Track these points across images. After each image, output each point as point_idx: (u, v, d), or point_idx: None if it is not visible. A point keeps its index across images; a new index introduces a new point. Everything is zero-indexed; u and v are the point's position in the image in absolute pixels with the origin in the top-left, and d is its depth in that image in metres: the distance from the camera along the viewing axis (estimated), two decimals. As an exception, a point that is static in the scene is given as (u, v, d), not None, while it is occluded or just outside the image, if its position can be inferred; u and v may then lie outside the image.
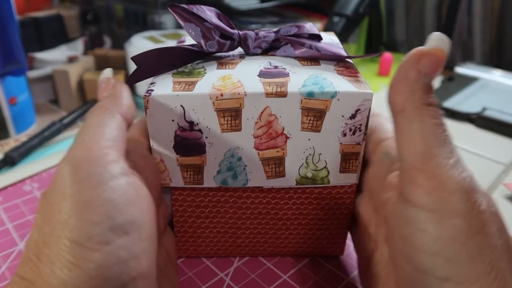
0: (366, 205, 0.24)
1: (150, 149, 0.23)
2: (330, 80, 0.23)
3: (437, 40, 0.17)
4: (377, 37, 0.78)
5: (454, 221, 0.15)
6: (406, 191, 0.17)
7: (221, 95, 0.22)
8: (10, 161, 0.40)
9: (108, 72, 0.22)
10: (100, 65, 0.56)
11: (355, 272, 0.28)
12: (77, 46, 0.62)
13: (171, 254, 0.24)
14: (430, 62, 0.17)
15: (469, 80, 0.60)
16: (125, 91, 0.21)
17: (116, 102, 0.20)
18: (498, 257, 0.15)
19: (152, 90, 0.22)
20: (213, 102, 0.22)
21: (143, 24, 0.64)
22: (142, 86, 0.52)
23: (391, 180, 0.21)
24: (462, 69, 0.65)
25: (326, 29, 0.65)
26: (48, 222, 0.16)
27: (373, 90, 0.25)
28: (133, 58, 0.24)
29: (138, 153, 0.22)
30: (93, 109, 0.19)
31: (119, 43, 0.63)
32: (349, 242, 0.31)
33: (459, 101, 0.54)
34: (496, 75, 0.63)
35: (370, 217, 0.23)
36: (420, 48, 0.18)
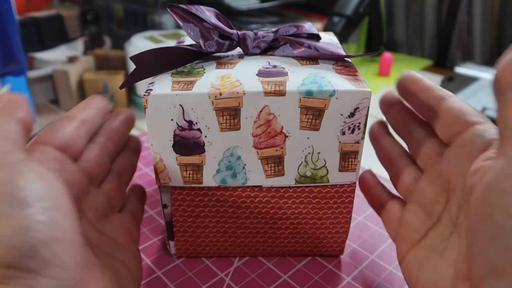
0: (433, 183, 0.24)
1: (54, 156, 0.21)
2: (328, 79, 0.23)
3: None
4: (377, 37, 0.78)
5: None
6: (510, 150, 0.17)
7: (220, 94, 0.22)
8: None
9: (4, 89, 0.21)
10: (100, 65, 0.56)
11: (355, 272, 0.28)
12: (77, 46, 0.62)
13: (119, 240, 0.23)
14: None
15: (469, 80, 0.60)
16: (20, 102, 0.20)
17: (10, 111, 0.19)
18: None
19: (151, 90, 0.22)
20: (212, 101, 0.22)
21: (143, 24, 0.64)
22: (142, 86, 0.52)
23: (480, 162, 0.20)
24: (462, 69, 0.65)
25: (326, 29, 0.65)
26: None
27: (373, 90, 0.25)
28: (132, 58, 0.24)
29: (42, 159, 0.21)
30: None
31: (119, 43, 0.63)
32: (349, 242, 0.31)
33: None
34: (496, 75, 0.63)
35: (437, 195, 0.23)
36: None
